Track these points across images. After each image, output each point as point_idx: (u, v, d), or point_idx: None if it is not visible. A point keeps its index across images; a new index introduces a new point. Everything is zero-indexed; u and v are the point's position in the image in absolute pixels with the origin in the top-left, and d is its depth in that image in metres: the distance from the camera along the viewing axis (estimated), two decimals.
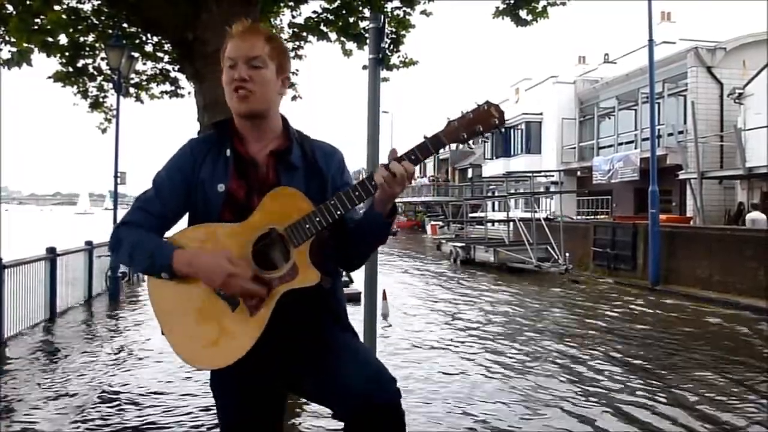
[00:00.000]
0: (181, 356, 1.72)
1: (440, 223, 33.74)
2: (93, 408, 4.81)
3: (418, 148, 1.69)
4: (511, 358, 6.86)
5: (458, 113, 1.87)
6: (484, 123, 1.67)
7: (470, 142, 1.72)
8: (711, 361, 6.76)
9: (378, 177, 1.64)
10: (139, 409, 4.80)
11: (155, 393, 5.24)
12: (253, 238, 1.69)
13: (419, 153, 1.68)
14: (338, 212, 1.68)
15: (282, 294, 1.67)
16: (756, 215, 14.27)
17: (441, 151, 1.73)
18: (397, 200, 1.76)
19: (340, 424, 1.78)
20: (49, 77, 7.69)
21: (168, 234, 1.80)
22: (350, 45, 7.97)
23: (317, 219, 1.67)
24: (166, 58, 8.57)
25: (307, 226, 1.67)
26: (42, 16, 6.19)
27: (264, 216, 1.70)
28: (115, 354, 6.74)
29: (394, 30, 7.73)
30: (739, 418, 4.82)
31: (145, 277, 1.80)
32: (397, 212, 1.76)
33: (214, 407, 1.93)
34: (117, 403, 4.97)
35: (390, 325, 8.55)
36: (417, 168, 1.77)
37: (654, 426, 4.62)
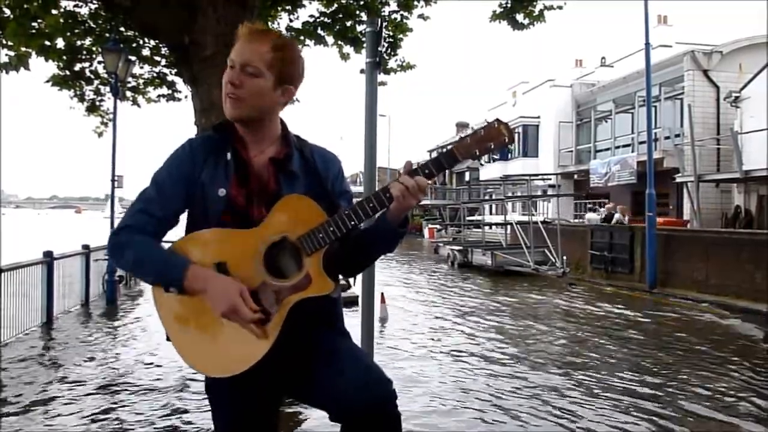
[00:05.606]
0: (190, 363, 1.68)
1: (438, 226, 33.68)
2: (85, 411, 4.80)
3: (432, 162, 1.69)
4: (506, 360, 6.86)
5: (470, 129, 1.90)
6: (495, 140, 1.69)
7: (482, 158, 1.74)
8: (708, 364, 6.77)
9: (395, 190, 1.65)
10: (129, 407, 4.80)
11: (148, 390, 5.26)
12: (265, 245, 1.67)
13: (433, 167, 1.68)
14: (352, 222, 1.67)
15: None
16: (590, 215, 18.16)
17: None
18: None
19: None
20: (47, 81, 7.69)
21: (176, 236, 1.77)
22: (347, 49, 8.00)
23: (331, 228, 1.66)
24: (163, 61, 8.59)
25: (321, 235, 1.66)
26: (40, 20, 6.19)
27: (276, 223, 1.68)
28: (109, 358, 6.73)
29: (391, 34, 7.76)
30: (737, 420, 4.83)
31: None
32: (408, 222, 1.77)
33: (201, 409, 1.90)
34: (110, 404, 4.96)
35: (384, 328, 8.55)
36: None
37: (648, 428, 4.62)
